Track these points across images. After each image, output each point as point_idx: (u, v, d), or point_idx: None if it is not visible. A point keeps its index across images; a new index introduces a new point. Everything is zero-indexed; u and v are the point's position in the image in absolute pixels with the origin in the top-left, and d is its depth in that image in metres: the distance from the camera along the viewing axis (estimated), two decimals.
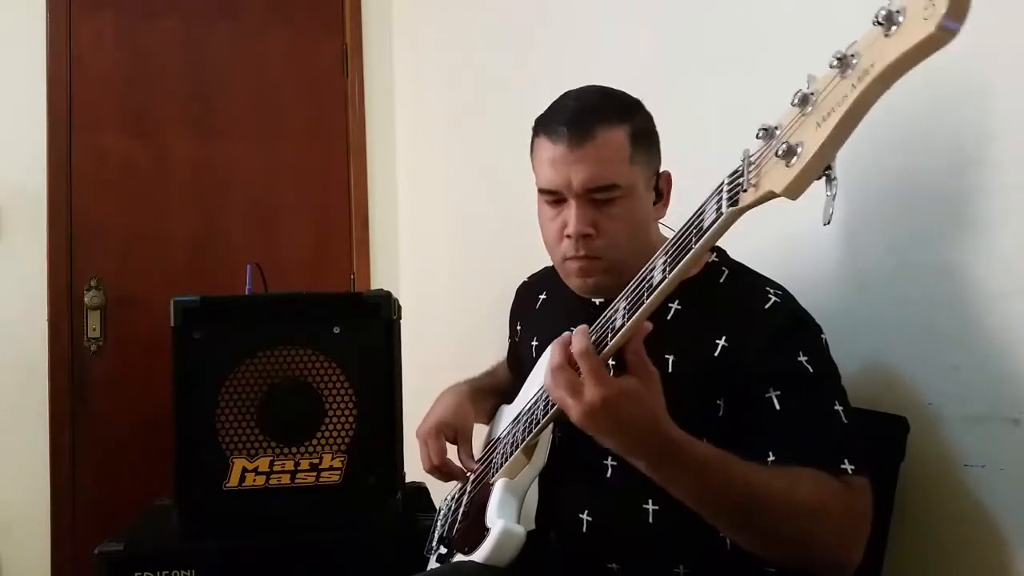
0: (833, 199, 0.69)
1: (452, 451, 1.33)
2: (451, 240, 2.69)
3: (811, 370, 1.02)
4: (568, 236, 1.12)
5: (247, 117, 2.90)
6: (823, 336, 1.07)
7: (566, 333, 0.95)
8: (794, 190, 0.69)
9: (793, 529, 0.94)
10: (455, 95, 2.66)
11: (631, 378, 0.91)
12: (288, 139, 2.93)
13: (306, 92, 2.96)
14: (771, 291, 1.08)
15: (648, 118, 1.17)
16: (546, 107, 1.18)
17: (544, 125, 1.15)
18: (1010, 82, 1.03)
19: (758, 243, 1.22)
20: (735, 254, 1.18)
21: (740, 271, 1.15)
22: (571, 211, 1.11)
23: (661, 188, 1.18)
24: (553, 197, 1.14)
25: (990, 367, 1.06)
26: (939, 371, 1.12)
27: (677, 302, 1.12)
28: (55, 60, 2.74)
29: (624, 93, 1.18)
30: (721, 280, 1.13)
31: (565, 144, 1.10)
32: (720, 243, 1.19)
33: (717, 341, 1.06)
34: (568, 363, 0.92)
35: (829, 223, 0.70)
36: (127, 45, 2.83)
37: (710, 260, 1.16)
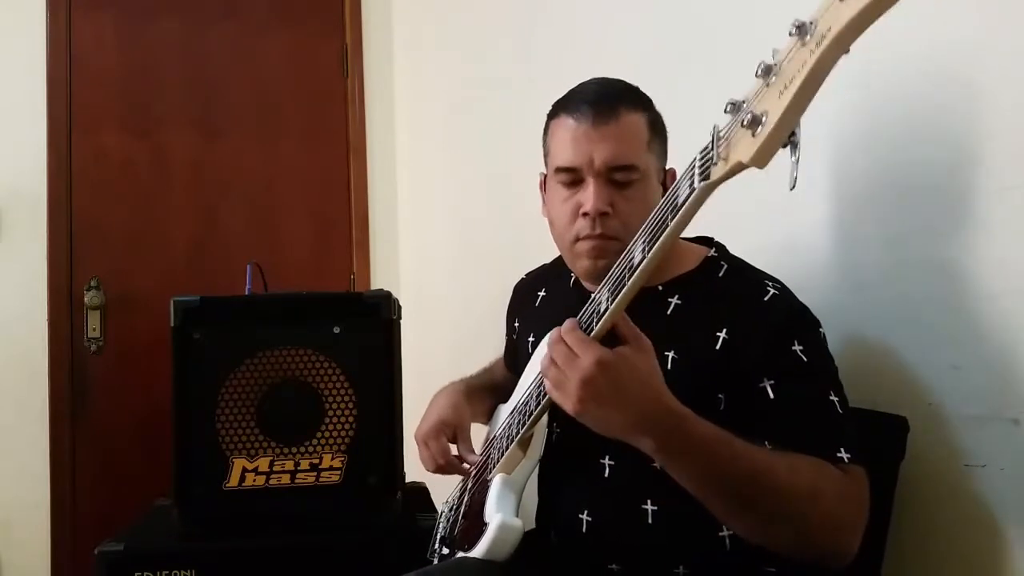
0: (797, 164, 0.70)
1: (453, 450, 1.33)
2: (451, 240, 2.69)
3: (805, 360, 1.02)
4: (585, 214, 1.11)
5: (247, 117, 2.90)
6: (821, 330, 1.07)
7: (555, 329, 0.97)
8: (761, 159, 0.70)
9: (791, 511, 0.94)
10: (455, 95, 2.66)
11: (624, 346, 0.92)
12: (288, 139, 2.93)
13: (306, 92, 2.96)
14: (770, 284, 1.09)
15: (660, 115, 1.19)
16: (551, 102, 1.19)
17: (565, 106, 1.16)
18: (1009, 80, 1.03)
19: (756, 242, 1.22)
20: (733, 252, 1.18)
21: (738, 266, 1.15)
22: (589, 189, 1.11)
23: (667, 184, 1.18)
24: (570, 177, 1.14)
25: (990, 367, 1.06)
26: (939, 371, 1.12)
27: (677, 297, 1.12)
28: (55, 60, 2.74)
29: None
30: (720, 274, 1.13)
31: (589, 122, 1.11)
32: (718, 240, 1.20)
33: (718, 334, 1.06)
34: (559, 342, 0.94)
35: (794, 187, 0.71)
36: (127, 45, 2.83)
37: (709, 255, 1.16)
